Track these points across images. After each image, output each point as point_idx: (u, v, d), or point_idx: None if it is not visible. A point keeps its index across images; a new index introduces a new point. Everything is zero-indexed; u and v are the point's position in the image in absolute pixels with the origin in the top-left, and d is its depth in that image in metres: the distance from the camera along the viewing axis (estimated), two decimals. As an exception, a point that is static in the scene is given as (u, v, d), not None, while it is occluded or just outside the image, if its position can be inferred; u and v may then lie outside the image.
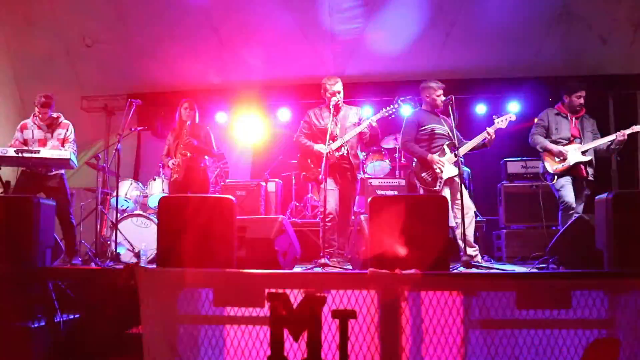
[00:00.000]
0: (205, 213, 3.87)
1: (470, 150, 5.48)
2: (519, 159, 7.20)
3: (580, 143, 5.63)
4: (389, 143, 8.01)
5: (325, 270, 4.25)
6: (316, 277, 3.05)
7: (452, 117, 5.29)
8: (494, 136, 5.40)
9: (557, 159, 5.63)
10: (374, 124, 5.45)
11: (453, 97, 5.36)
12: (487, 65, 8.30)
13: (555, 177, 5.59)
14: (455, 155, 5.19)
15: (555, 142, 5.68)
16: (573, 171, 5.55)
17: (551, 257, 4.74)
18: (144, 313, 3.00)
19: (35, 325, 3.72)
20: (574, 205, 5.44)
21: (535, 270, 4.40)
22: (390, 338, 2.80)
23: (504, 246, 6.80)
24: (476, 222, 6.64)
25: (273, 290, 2.97)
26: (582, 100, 5.73)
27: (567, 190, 5.50)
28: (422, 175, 5.46)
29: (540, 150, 5.76)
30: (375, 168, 7.69)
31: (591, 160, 5.60)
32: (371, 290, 2.86)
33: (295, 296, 2.95)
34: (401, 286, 2.82)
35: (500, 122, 5.43)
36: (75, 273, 3.79)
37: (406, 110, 8.32)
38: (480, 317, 2.81)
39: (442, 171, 5.34)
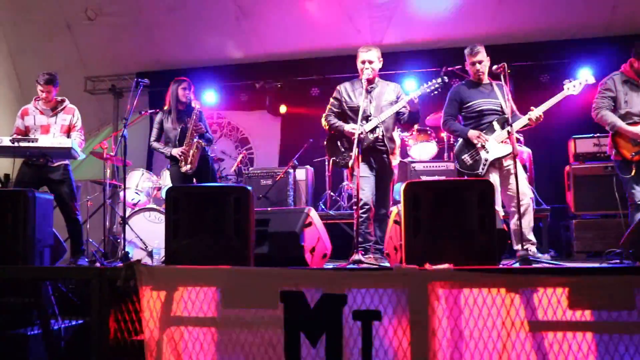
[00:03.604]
0: (217, 205, 3.93)
1: (522, 127, 5.40)
2: (590, 135, 7.05)
3: None
4: (436, 121, 7.97)
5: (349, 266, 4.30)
6: (335, 273, 3.10)
7: (504, 88, 5.26)
8: (540, 116, 5.27)
9: (633, 143, 5.26)
10: (416, 100, 5.41)
11: (505, 64, 5.31)
12: (552, 25, 8.15)
13: (634, 168, 5.24)
14: (509, 133, 5.11)
15: (623, 118, 5.35)
16: None
17: (626, 250, 4.66)
18: (145, 316, 3.13)
19: (33, 332, 3.90)
20: None
21: (600, 265, 4.33)
22: (421, 342, 2.83)
23: (573, 239, 6.71)
24: (540, 211, 6.64)
25: (287, 289, 3.04)
26: None
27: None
28: (462, 157, 5.45)
29: (611, 130, 5.41)
30: (421, 150, 7.67)
31: None
32: (397, 288, 2.90)
33: (312, 295, 3.02)
34: (431, 283, 2.85)
35: (572, 88, 5.25)
36: (68, 272, 3.92)
37: (456, 82, 8.30)
38: (525, 318, 2.82)
39: (486, 150, 5.30)
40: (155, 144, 6.61)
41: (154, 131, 6.61)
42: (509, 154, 5.19)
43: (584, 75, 5.30)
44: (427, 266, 2.91)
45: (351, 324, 2.98)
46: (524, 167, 6.52)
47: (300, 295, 3.03)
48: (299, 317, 3.03)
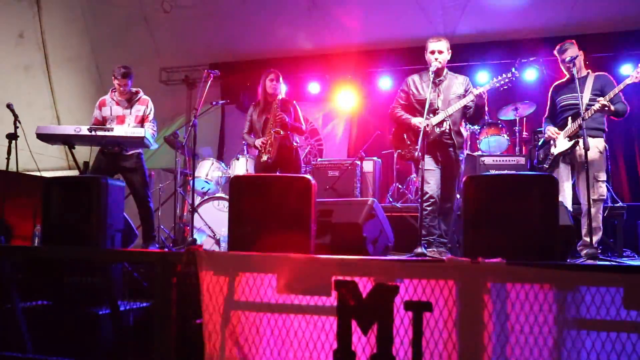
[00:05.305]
0: (279, 194, 4.07)
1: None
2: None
3: None
4: (508, 114, 7.88)
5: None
6: (388, 264, 3.20)
7: (592, 80, 5.24)
8: (603, 102, 5.16)
9: None
10: (484, 94, 5.41)
11: (577, 55, 5.28)
12: (635, 13, 7.88)
13: None
14: (580, 126, 5.05)
15: None
16: None
17: None
18: (204, 299, 3.32)
19: (103, 312, 4.19)
20: None
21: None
22: (470, 335, 2.90)
23: (652, 239, 6.53)
24: (616, 208, 6.50)
25: (341, 278, 3.16)
26: None
27: None
28: (538, 152, 5.54)
29: None
30: (491, 144, 7.59)
31: None
32: (449, 280, 2.97)
33: (365, 285, 3.13)
34: (483, 277, 2.90)
35: (633, 76, 5.16)
36: (132, 256, 4.18)
37: (531, 74, 8.20)
38: (578, 316, 2.83)
39: (555, 145, 5.30)
40: (245, 136, 6.85)
41: (246, 124, 6.84)
42: (569, 148, 5.25)
43: None
44: (480, 260, 2.96)
45: (402, 314, 3.07)
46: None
47: (354, 284, 3.15)
48: (352, 306, 3.15)
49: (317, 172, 7.94)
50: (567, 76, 5.64)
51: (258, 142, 6.57)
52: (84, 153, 6.92)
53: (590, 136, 5.13)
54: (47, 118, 9.74)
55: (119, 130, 5.96)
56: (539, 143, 5.74)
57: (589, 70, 5.54)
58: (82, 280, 4.28)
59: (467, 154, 7.23)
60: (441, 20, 8.49)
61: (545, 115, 5.83)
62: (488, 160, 7.16)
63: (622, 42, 8.16)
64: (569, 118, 5.38)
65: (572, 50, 5.51)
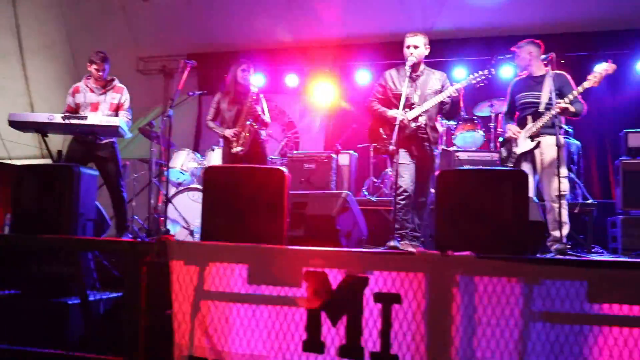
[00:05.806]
0: (253, 186, 4.08)
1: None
2: (645, 129, 6.92)
3: None
4: (483, 110, 7.95)
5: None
6: (358, 255, 3.24)
7: (551, 79, 5.29)
8: (563, 105, 5.23)
9: None
10: (461, 91, 5.46)
11: (554, 54, 5.34)
12: (611, 14, 8.00)
13: None
14: (553, 125, 5.12)
15: None
16: None
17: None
18: (174, 289, 3.33)
19: (73, 301, 4.16)
20: None
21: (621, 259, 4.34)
22: (438, 327, 2.94)
23: (620, 236, 6.60)
24: (586, 205, 6.61)
25: (311, 269, 3.18)
26: None
27: None
28: (501, 149, 5.65)
29: None
30: (466, 140, 7.64)
31: None
32: (419, 273, 3.01)
33: (336, 276, 3.16)
34: (452, 269, 2.94)
35: (590, 80, 5.24)
36: (101, 245, 4.16)
37: (507, 71, 8.28)
38: (543, 309, 2.89)
39: (517, 144, 5.42)
40: (210, 123, 6.78)
41: (211, 110, 6.79)
42: (531, 149, 5.38)
43: (602, 66, 5.25)
44: (449, 253, 3.01)
45: (372, 305, 3.11)
46: (571, 160, 6.56)
47: (324, 276, 3.18)
48: (322, 297, 3.19)
49: (293, 165, 7.93)
50: (526, 72, 5.73)
51: (229, 132, 6.52)
52: (57, 142, 6.86)
53: (549, 134, 5.26)
54: (20, 105, 9.62)
55: (93, 119, 5.89)
56: (500, 140, 5.81)
57: (548, 68, 5.60)
58: (52, 270, 4.25)
59: (443, 149, 7.30)
60: (420, 15, 8.53)
61: (505, 111, 5.91)
62: (463, 155, 7.22)
63: (598, 42, 8.26)
64: (529, 117, 5.47)
65: (524, 49, 5.66)
